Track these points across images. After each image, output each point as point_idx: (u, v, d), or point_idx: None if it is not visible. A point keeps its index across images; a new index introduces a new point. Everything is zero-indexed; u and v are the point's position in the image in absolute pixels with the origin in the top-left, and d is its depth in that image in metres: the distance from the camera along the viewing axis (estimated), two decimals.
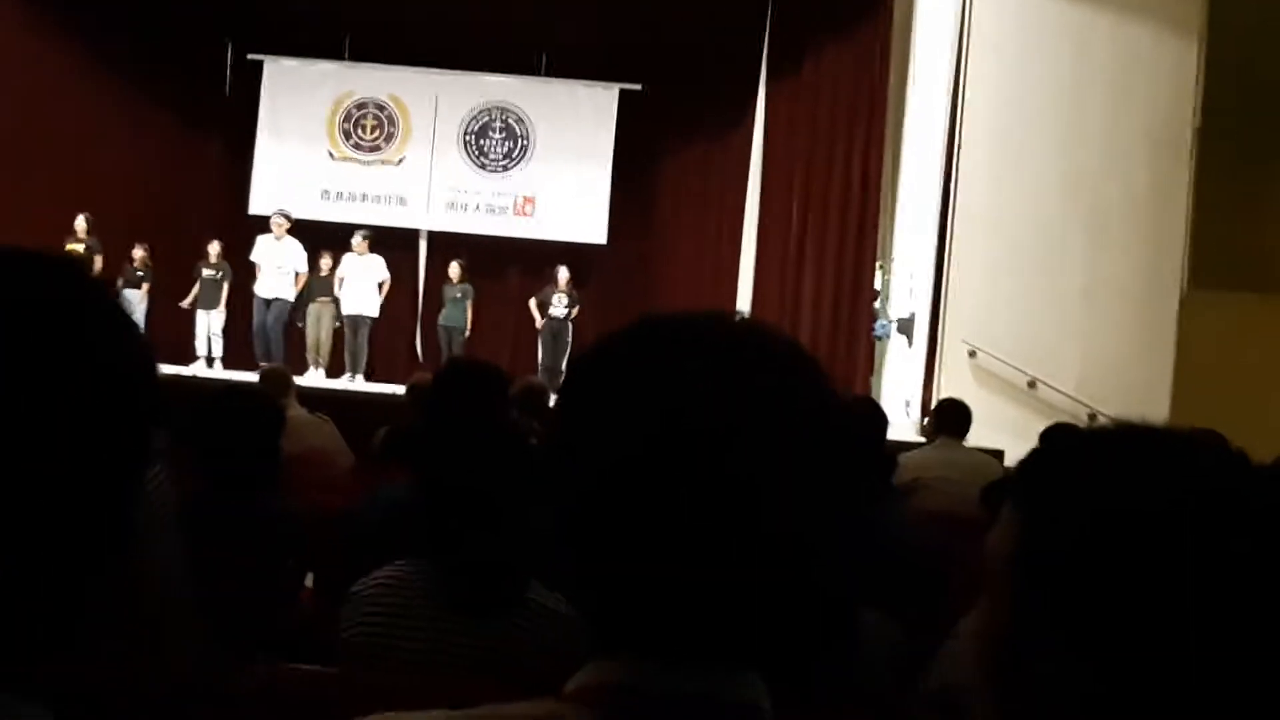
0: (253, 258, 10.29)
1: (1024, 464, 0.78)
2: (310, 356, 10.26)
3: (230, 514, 2.47)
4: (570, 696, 0.65)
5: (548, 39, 11.47)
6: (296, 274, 10.20)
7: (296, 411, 4.65)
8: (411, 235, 11.78)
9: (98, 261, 9.74)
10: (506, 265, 11.73)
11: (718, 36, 10.74)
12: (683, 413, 0.62)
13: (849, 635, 1.67)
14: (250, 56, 11.84)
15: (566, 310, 10.42)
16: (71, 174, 10.44)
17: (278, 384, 4.83)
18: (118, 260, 10.07)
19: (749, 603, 0.63)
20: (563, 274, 10.57)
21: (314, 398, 6.04)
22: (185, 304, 10.41)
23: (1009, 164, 8.05)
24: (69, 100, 10.52)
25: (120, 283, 10.04)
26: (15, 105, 9.96)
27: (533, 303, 10.78)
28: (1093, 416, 7.23)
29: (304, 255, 10.23)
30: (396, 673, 1.54)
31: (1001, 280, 8.01)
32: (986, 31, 8.09)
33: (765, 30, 10.31)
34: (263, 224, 10.55)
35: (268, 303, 10.07)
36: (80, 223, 9.76)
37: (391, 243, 11.08)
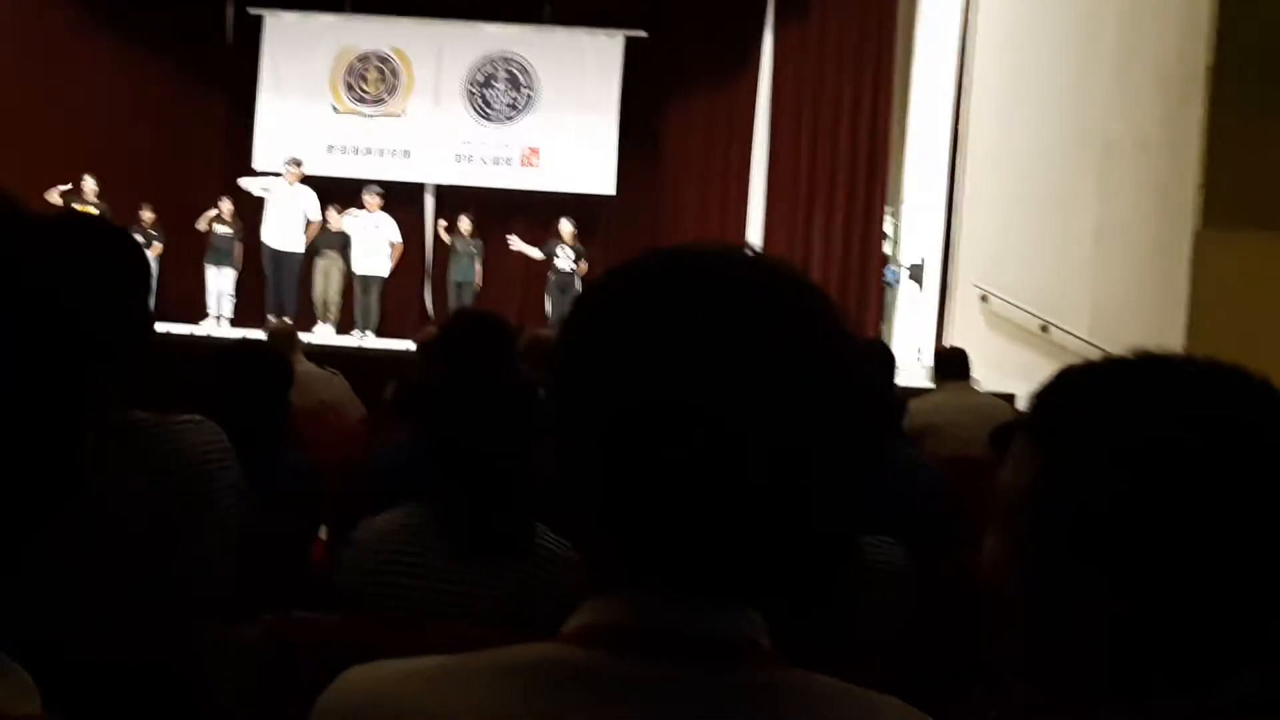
0: (255, 191, 10.14)
1: (1039, 395, 0.77)
2: (319, 311, 10.25)
3: (243, 470, 2.48)
4: (568, 637, 0.65)
5: None
6: (308, 222, 10.10)
7: (306, 367, 4.66)
8: (417, 189, 11.73)
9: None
10: (513, 218, 11.66)
11: None
12: (687, 347, 0.61)
13: (849, 569, 1.67)
14: (251, 11, 11.72)
15: (573, 263, 10.35)
16: (75, 134, 10.41)
17: (285, 341, 4.84)
18: (125, 222, 10.05)
19: (747, 539, 0.62)
20: (565, 226, 10.46)
21: (324, 354, 6.05)
22: (200, 226, 10.29)
23: (1018, 105, 7.94)
24: (70, 60, 10.46)
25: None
26: (15, 66, 9.90)
27: (535, 251, 10.57)
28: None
29: (317, 203, 10.10)
30: (405, 623, 1.54)
31: (1012, 224, 7.94)
32: None
33: None
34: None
35: (276, 254, 9.99)
36: (89, 183, 9.73)
37: (398, 196, 11.03)
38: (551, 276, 10.44)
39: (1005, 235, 7.96)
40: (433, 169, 11.65)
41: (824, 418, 0.63)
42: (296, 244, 10.02)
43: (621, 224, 11.91)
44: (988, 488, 0.84)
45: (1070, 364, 0.78)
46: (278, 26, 11.73)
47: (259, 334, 7.10)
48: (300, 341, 5.15)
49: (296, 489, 2.65)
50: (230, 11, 11.88)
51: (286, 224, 9.98)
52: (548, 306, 10.51)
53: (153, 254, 10.11)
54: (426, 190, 11.79)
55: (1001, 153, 7.96)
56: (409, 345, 7.02)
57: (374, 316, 10.17)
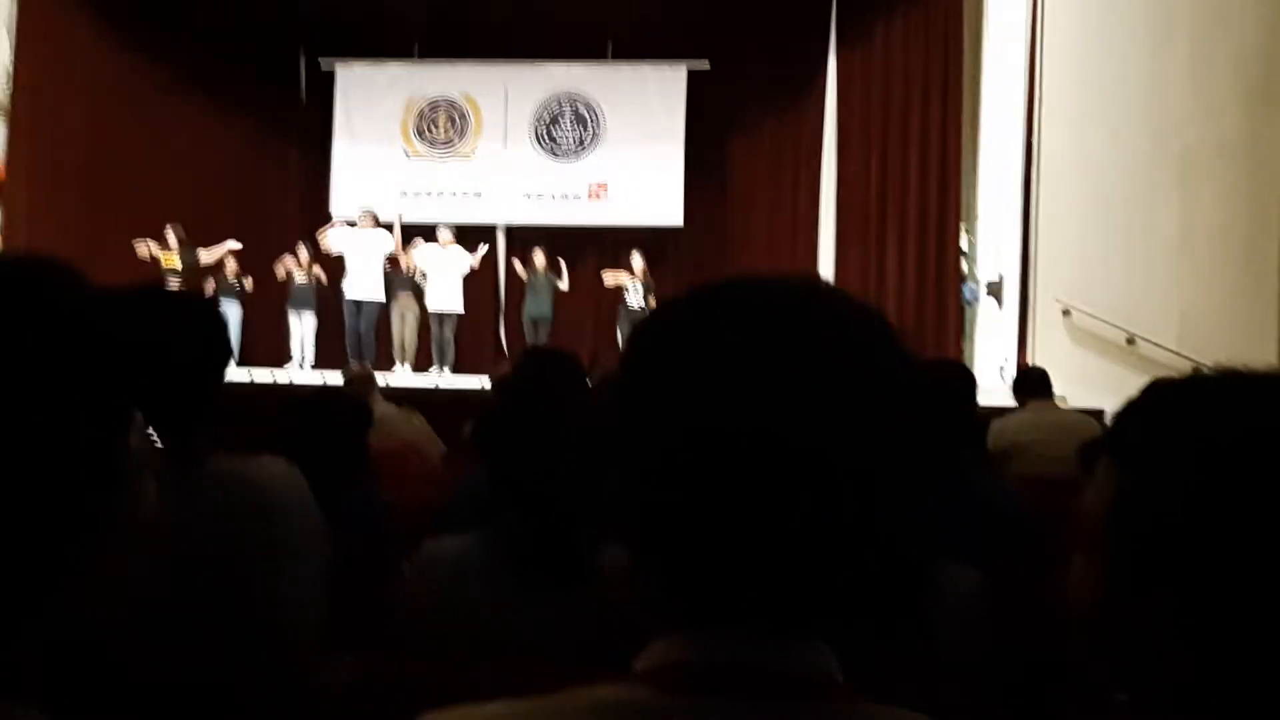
0: (334, 246, 10.33)
1: (1120, 415, 0.75)
2: (397, 353, 10.41)
3: (322, 510, 2.52)
4: (644, 677, 0.64)
5: (612, 23, 11.45)
6: (388, 259, 10.27)
7: (384, 408, 4.73)
8: (489, 228, 11.90)
9: (210, 255, 10.04)
10: (584, 252, 11.76)
11: (782, 8, 10.59)
12: (746, 380, 0.61)
13: (924, 600, 1.63)
14: (324, 63, 12.06)
15: (643, 298, 10.34)
16: (161, 187, 10.77)
17: (362, 384, 4.92)
18: (210, 272, 10.36)
19: (817, 567, 0.61)
20: (637, 261, 10.47)
21: (403, 395, 6.14)
22: (279, 273, 10.54)
23: (1092, 116, 7.79)
24: (155, 116, 10.86)
25: (215, 293, 10.34)
26: (105, 122, 10.32)
27: (607, 276, 10.60)
28: (1197, 370, 6.98)
29: (391, 240, 10.26)
30: (475, 656, 1.54)
31: (1091, 235, 7.77)
32: None
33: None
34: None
35: (358, 305, 10.20)
36: (170, 235, 10.04)
37: (471, 236, 11.19)
38: (623, 311, 10.45)
39: (1085, 248, 7.79)
40: (503, 208, 11.82)
41: (890, 442, 0.62)
42: (377, 293, 10.20)
43: (690, 254, 11.93)
44: (1076, 507, 0.82)
45: (1156, 379, 0.76)
46: (349, 77, 12.04)
47: (339, 377, 7.25)
48: (377, 384, 5.24)
49: (377, 528, 2.68)
50: (304, 65, 12.24)
51: (366, 274, 10.16)
52: (620, 341, 10.53)
53: (237, 303, 10.41)
54: (498, 229, 11.95)
55: (1077, 164, 7.81)
56: (486, 382, 7.09)
57: (450, 354, 10.30)
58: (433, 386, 8.80)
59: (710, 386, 0.61)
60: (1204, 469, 0.67)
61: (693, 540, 0.62)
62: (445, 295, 10.26)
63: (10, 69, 9.73)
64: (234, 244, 10.40)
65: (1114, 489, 0.72)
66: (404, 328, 10.43)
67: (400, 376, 9.80)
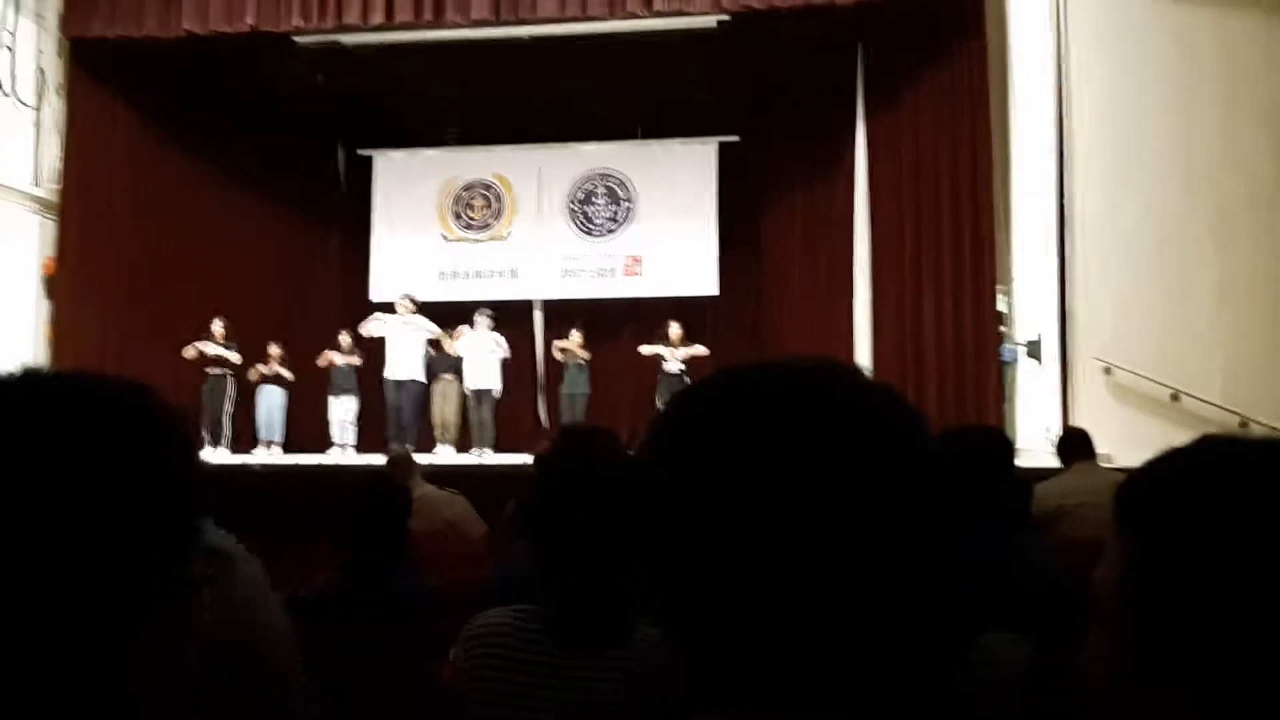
0: (375, 332, 10.48)
1: (1124, 486, 0.76)
2: (438, 433, 10.49)
3: (366, 595, 2.54)
4: None
5: (642, 102, 11.65)
6: (429, 340, 10.41)
7: (425, 490, 4.76)
8: (526, 306, 12.03)
9: (234, 357, 10.23)
10: (620, 326, 11.85)
11: (809, 79, 10.73)
12: (776, 467, 0.62)
13: (966, 671, 1.61)
14: (361, 152, 12.36)
15: (681, 367, 10.37)
16: (203, 277, 11.02)
17: (403, 467, 4.96)
18: (254, 358, 10.53)
19: (853, 650, 0.62)
20: (674, 329, 10.53)
21: (445, 475, 6.18)
22: (320, 363, 10.71)
23: (1124, 172, 7.79)
24: (196, 208, 11.16)
25: (258, 380, 10.50)
26: (147, 217, 10.61)
27: (645, 348, 10.64)
28: (1244, 424, 6.87)
29: (430, 324, 10.43)
30: None
31: (1129, 292, 7.72)
32: (1085, 41, 7.90)
33: (857, 66, 10.26)
34: (386, 310, 10.88)
35: (399, 384, 10.30)
36: (218, 326, 10.25)
37: (508, 314, 11.32)
38: (661, 379, 10.47)
39: (1123, 304, 7.74)
40: (540, 286, 11.96)
41: (920, 519, 0.63)
42: (417, 373, 10.32)
43: (727, 322, 11.98)
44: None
45: (1161, 451, 0.76)
46: (387, 165, 12.33)
47: (380, 460, 7.32)
48: (418, 465, 5.27)
49: (419, 609, 2.70)
50: (342, 154, 12.56)
51: (406, 357, 10.30)
52: (659, 407, 10.51)
53: (282, 389, 10.57)
54: (535, 306, 12.08)
55: (1111, 220, 7.80)
56: (527, 460, 7.12)
57: (489, 433, 10.35)
58: (474, 465, 8.84)
59: (740, 474, 0.62)
60: (1214, 540, 0.67)
61: (727, 620, 0.62)
62: (483, 375, 10.35)
63: (60, 168, 10.05)
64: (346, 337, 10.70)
65: (1124, 562, 0.72)
66: (445, 406, 10.52)
67: (442, 456, 9.85)
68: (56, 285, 9.96)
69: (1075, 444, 4.93)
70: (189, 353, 10.06)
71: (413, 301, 10.47)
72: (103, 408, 0.70)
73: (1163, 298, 7.67)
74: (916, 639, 0.63)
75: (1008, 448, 2.66)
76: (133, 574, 0.66)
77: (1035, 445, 7.99)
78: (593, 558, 1.66)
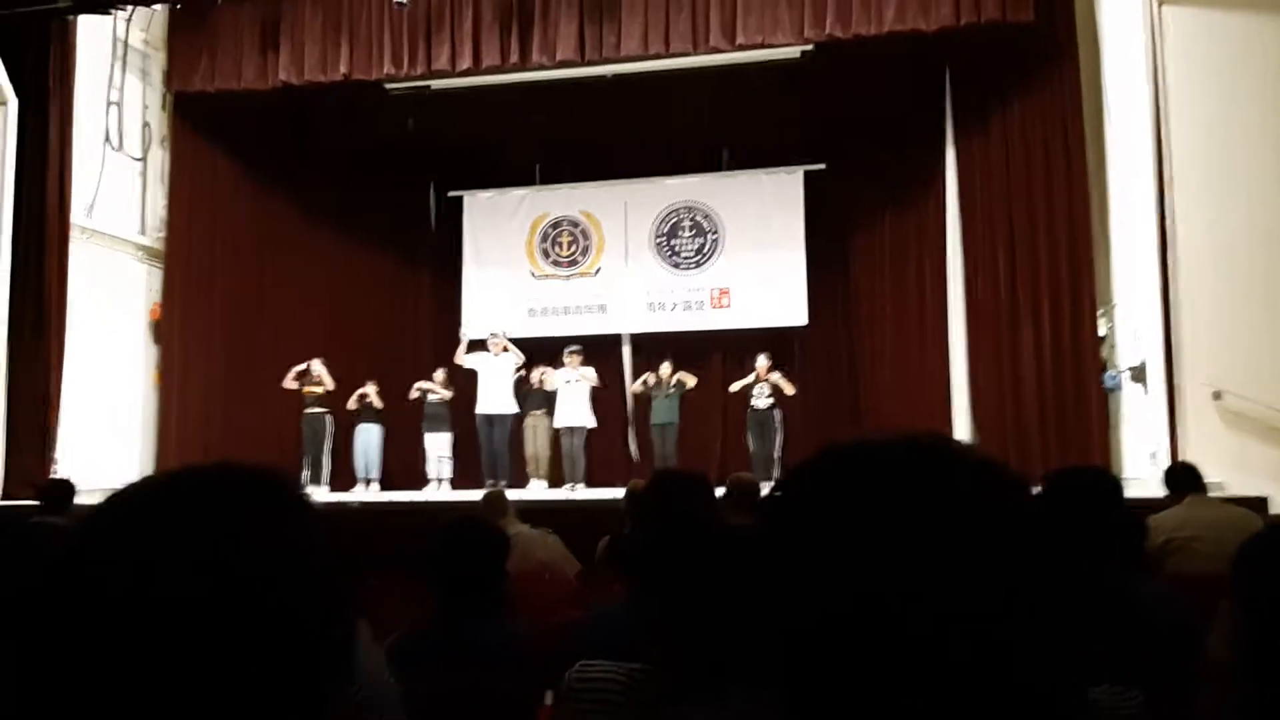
0: (468, 364, 10.62)
1: (1243, 556, 0.72)
2: (530, 469, 10.56)
3: (460, 641, 2.55)
4: None
5: (726, 133, 11.69)
6: (519, 371, 10.50)
7: (519, 529, 4.78)
8: (614, 340, 12.08)
9: (328, 382, 10.47)
10: (709, 357, 11.82)
11: (895, 105, 10.65)
12: (883, 544, 0.64)
13: None
14: (451, 194, 12.61)
15: (770, 400, 10.33)
16: (300, 319, 11.33)
17: (497, 507, 4.99)
18: (348, 396, 10.76)
19: (958, 709, 0.62)
20: (761, 361, 10.51)
21: (537, 511, 6.21)
22: (413, 395, 10.91)
23: (1226, 189, 7.52)
24: (293, 251, 11.52)
25: (357, 418, 10.73)
26: (248, 262, 10.98)
27: (734, 386, 10.72)
28: None
29: (520, 359, 10.56)
30: None
31: (1237, 314, 7.43)
32: (1181, 56, 7.67)
33: (945, 92, 10.14)
34: (476, 348, 11.03)
35: (490, 419, 10.41)
36: (317, 367, 10.51)
37: (597, 348, 11.39)
38: (750, 414, 10.43)
39: (1231, 326, 7.45)
40: (628, 320, 12.01)
41: (1031, 589, 0.64)
42: (509, 405, 10.41)
43: (817, 352, 11.89)
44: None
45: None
46: (476, 205, 12.55)
47: (477, 494, 7.37)
48: (511, 504, 5.30)
49: (516, 654, 2.69)
50: (432, 196, 12.83)
51: (498, 391, 10.41)
52: (749, 443, 10.45)
53: (378, 427, 10.78)
54: (623, 340, 12.13)
55: (1214, 240, 7.52)
56: (618, 494, 7.11)
57: (580, 467, 10.39)
58: (566, 500, 8.87)
59: (851, 552, 0.64)
60: None
61: (839, 691, 0.64)
62: (574, 412, 10.40)
63: (164, 217, 10.45)
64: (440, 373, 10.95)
65: (1243, 631, 0.68)
66: (536, 442, 10.60)
67: (534, 491, 9.92)
68: (163, 330, 10.33)
69: (1185, 477, 4.75)
70: (289, 383, 10.35)
71: (502, 335, 10.59)
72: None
73: (1272, 318, 7.37)
74: (1027, 701, 0.64)
75: (1115, 489, 2.57)
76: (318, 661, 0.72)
77: (1142, 474, 7.72)
78: (693, 611, 1.64)
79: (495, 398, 10.41)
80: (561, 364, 10.56)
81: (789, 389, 10.36)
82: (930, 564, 0.63)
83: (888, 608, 0.62)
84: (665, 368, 10.83)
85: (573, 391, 10.45)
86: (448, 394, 10.89)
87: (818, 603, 0.64)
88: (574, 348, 10.68)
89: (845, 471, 0.69)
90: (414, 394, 10.89)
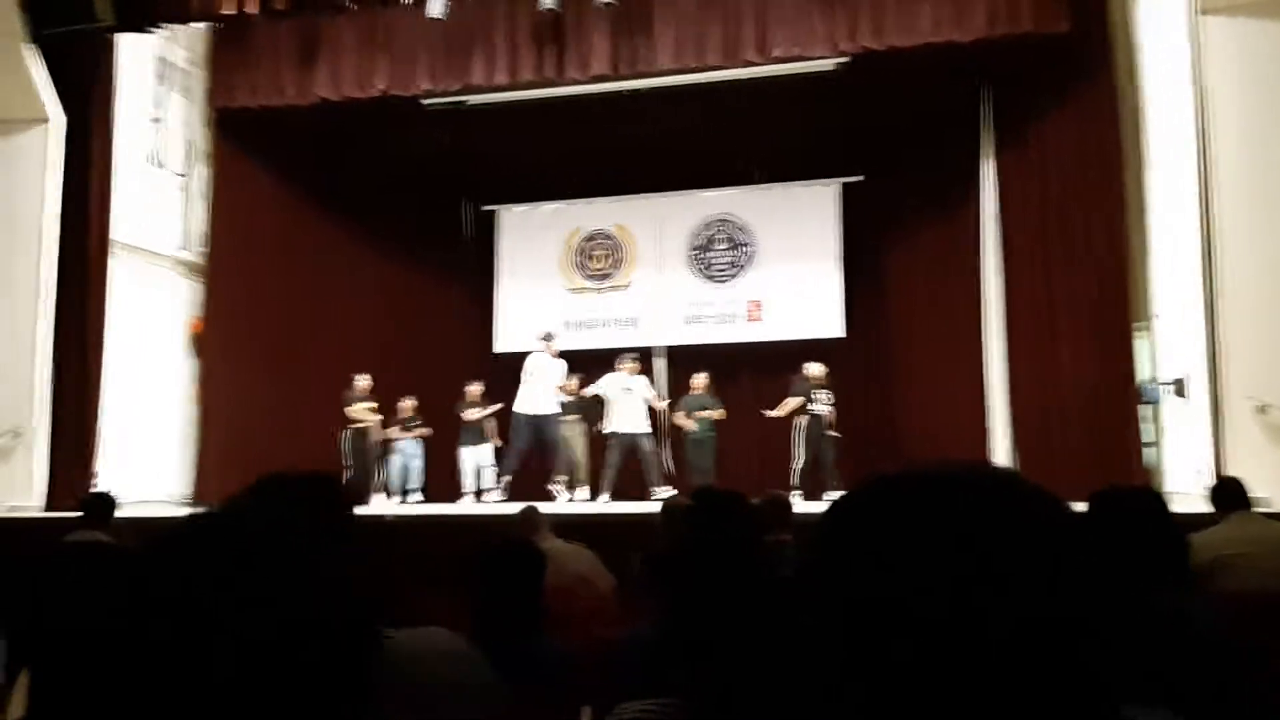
0: (527, 370, 10.40)
1: None
2: (563, 478, 10.51)
3: (498, 659, 2.54)
4: None
5: (761, 146, 11.66)
6: (558, 388, 10.35)
7: (553, 544, 4.77)
8: (647, 353, 12.07)
9: (371, 417, 10.50)
10: (744, 370, 11.78)
11: (932, 116, 10.59)
12: (933, 575, 0.66)
13: None
14: (485, 208, 12.68)
15: (828, 406, 10.08)
16: (337, 332, 11.42)
17: (531, 524, 4.99)
18: (385, 411, 10.80)
19: None
20: (814, 369, 10.10)
21: (571, 524, 6.19)
22: (468, 415, 10.88)
23: (1270, 200, 7.41)
24: (331, 265, 11.60)
25: (398, 432, 10.76)
26: (286, 276, 11.07)
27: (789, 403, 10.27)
28: None
29: (564, 367, 10.42)
30: None
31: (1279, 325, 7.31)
32: (1223, 66, 7.57)
33: (981, 105, 10.07)
34: (509, 362, 11.02)
35: (534, 420, 10.10)
36: (363, 382, 10.53)
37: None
38: (806, 420, 10.04)
39: (1275, 338, 7.32)
40: (661, 333, 12.01)
41: (1077, 614, 0.66)
42: (552, 406, 10.20)
43: (854, 363, 11.80)
44: None
45: None
46: (510, 219, 12.61)
47: (512, 506, 7.35)
48: (546, 519, 5.28)
49: (551, 672, 2.69)
50: (466, 210, 12.91)
51: (541, 393, 10.20)
52: (801, 451, 10.21)
53: (417, 442, 10.80)
54: (656, 353, 12.12)
55: (1258, 249, 7.41)
56: (652, 508, 7.08)
57: (654, 472, 10.23)
58: (599, 514, 8.84)
59: (911, 587, 0.66)
60: None
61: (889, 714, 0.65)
62: (628, 419, 10.18)
63: (206, 232, 10.58)
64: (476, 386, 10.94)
65: None
66: (571, 449, 10.57)
67: (572, 504, 9.90)
68: (203, 344, 10.45)
69: (1230, 493, 4.67)
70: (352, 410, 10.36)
71: (553, 339, 10.41)
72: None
73: None
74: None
75: (1160, 507, 2.53)
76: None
77: (1187, 488, 7.60)
78: (731, 638, 1.62)
79: (536, 398, 10.15)
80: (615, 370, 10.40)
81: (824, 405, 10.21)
82: (986, 594, 0.64)
83: (950, 639, 0.64)
84: (700, 379, 10.67)
85: (626, 399, 10.23)
86: (485, 407, 10.90)
87: (884, 640, 0.65)
88: (629, 354, 10.49)
89: (895, 505, 0.69)
90: (469, 415, 10.86)
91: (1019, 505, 0.69)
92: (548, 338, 10.46)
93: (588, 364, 10.83)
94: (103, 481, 8.84)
